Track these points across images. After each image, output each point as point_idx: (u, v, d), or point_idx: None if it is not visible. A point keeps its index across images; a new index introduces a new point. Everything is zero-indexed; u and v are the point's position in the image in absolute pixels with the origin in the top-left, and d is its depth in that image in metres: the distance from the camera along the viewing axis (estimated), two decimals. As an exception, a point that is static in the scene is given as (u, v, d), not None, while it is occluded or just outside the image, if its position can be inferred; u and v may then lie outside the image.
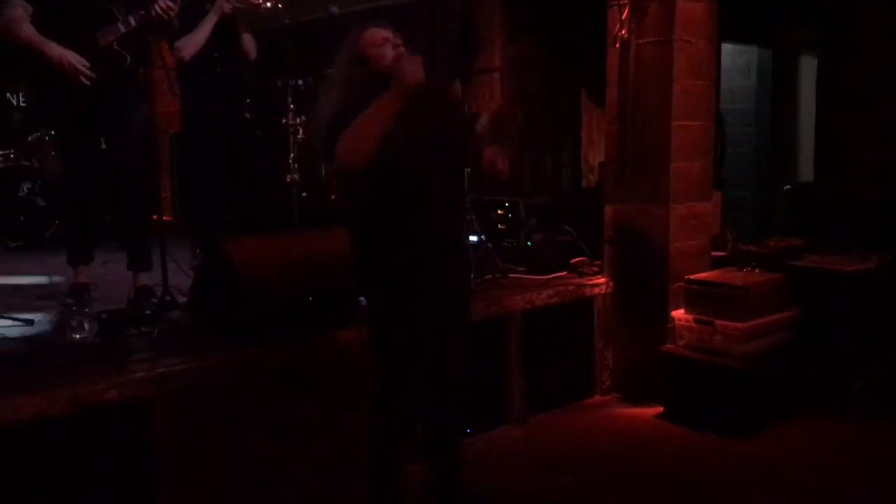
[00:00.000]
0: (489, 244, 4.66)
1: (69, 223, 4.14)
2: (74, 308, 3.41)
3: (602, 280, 4.56)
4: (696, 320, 4.12)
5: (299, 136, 4.81)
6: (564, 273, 4.67)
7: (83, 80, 3.68)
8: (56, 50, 3.65)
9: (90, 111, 3.76)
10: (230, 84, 4.52)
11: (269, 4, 4.36)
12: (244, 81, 4.67)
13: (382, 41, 2.70)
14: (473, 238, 4.54)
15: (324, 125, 2.64)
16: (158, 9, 3.70)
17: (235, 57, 4.46)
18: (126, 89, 3.84)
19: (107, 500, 2.77)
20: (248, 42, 4.47)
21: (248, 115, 4.74)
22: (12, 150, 6.12)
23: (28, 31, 3.66)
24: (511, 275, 4.63)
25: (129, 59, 3.77)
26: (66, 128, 3.93)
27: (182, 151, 6.05)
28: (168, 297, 3.77)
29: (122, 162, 3.88)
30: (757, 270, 4.27)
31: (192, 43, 4.24)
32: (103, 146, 3.96)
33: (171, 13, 3.76)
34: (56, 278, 4.45)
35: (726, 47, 6.46)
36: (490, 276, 4.50)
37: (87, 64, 3.69)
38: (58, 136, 4.33)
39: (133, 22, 3.73)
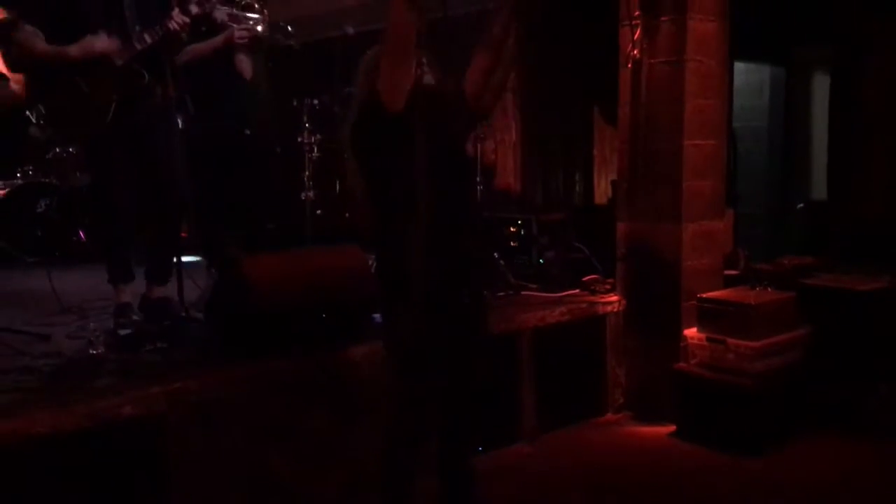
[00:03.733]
0: (501, 261, 4.68)
1: (107, 241, 4.04)
2: (93, 324, 3.45)
3: (614, 298, 4.57)
4: (708, 339, 4.12)
5: (314, 154, 4.85)
6: (577, 290, 4.68)
7: (118, 60, 3.67)
8: (74, 48, 3.65)
9: (117, 131, 3.76)
10: (230, 101, 4.64)
11: (260, 29, 4.56)
12: (245, 100, 4.73)
13: None
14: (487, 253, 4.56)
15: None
16: (174, 24, 3.73)
17: (232, 76, 4.60)
18: (150, 107, 3.83)
19: (121, 514, 2.80)
20: (243, 62, 4.61)
21: (248, 132, 4.74)
22: (31, 167, 6.20)
23: (44, 46, 3.68)
24: (523, 292, 4.64)
25: (147, 76, 3.78)
26: (94, 147, 3.93)
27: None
28: (184, 313, 3.80)
29: (158, 177, 3.86)
30: (769, 289, 4.26)
31: (192, 51, 4.39)
32: (136, 162, 3.91)
33: (187, 28, 3.81)
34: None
35: (738, 66, 6.47)
36: (502, 293, 4.52)
37: (118, 44, 3.69)
38: (87, 156, 4.31)
39: (148, 39, 3.73)
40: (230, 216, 4.77)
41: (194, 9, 3.83)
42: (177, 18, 3.74)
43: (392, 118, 2.58)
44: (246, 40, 4.50)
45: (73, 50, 3.67)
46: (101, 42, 3.69)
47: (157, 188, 3.88)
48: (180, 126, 4.42)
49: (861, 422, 4.09)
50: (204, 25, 4.42)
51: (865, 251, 4.78)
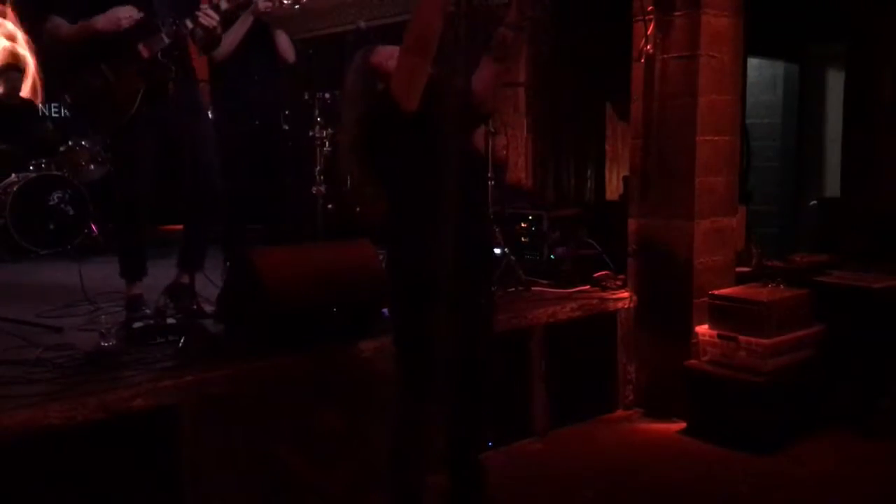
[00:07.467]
0: (512, 257, 4.67)
1: (123, 236, 3.99)
2: (104, 315, 3.45)
3: (626, 294, 4.55)
4: (720, 336, 4.10)
5: (326, 149, 4.85)
6: (588, 287, 4.67)
7: (145, 53, 3.60)
8: (101, 20, 3.57)
9: (140, 122, 3.70)
10: (267, 93, 4.58)
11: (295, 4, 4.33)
12: (281, 90, 4.70)
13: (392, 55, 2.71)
14: (496, 250, 4.55)
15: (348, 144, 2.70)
16: (205, 19, 3.68)
17: (272, 63, 4.51)
18: (174, 100, 3.76)
19: (132, 506, 2.81)
20: (284, 43, 4.47)
21: (286, 127, 4.75)
22: (44, 160, 6.23)
23: (68, 27, 3.62)
24: (534, 288, 4.63)
25: (174, 70, 3.71)
26: (116, 138, 3.90)
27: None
28: (196, 307, 3.80)
29: (190, 167, 3.77)
30: (782, 286, 4.24)
31: (226, 43, 4.21)
32: (162, 154, 3.86)
33: (215, 23, 3.73)
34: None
35: (752, 61, 6.43)
36: (513, 289, 4.51)
37: (137, 13, 3.62)
38: (109, 148, 4.25)
39: (177, 33, 3.67)
40: (254, 211, 4.76)
41: (224, 4, 3.78)
42: (207, 13, 3.69)
43: (405, 118, 2.57)
44: (269, 8, 4.27)
45: (99, 22, 3.59)
46: (125, 10, 3.60)
47: (190, 179, 3.81)
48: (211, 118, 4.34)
49: (874, 422, 4.07)
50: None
51: (879, 248, 4.74)
